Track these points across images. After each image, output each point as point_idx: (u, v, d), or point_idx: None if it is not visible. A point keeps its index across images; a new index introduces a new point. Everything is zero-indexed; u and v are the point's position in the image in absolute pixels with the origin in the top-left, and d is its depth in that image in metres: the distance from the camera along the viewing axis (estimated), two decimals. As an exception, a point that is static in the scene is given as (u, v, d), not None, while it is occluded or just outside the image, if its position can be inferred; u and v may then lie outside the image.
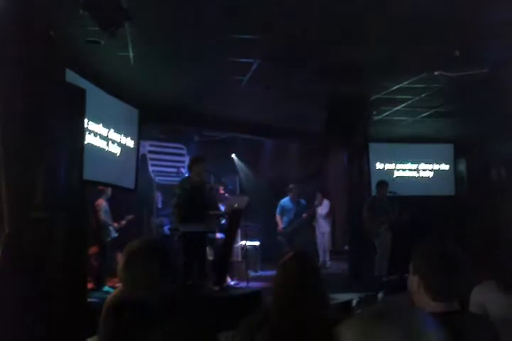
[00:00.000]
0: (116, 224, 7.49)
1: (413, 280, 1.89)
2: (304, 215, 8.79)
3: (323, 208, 10.34)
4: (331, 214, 10.49)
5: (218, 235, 7.34)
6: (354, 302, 5.26)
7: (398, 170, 10.17)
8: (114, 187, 7.34)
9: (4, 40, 3.61)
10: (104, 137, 6.50)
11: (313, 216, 9.93)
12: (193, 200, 6.10)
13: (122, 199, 8.21)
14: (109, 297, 2.63)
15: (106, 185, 7.08)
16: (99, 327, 1.69)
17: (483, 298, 2.50)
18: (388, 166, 10.13)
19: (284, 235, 8.73)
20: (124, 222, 7.67)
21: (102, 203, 7.29)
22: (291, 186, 8.99)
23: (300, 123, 9.29)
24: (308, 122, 9.10)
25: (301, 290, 1.94)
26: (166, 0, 4.49)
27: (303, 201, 9.01)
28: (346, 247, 9.63)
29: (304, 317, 1.89)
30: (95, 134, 6.23)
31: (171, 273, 1.92)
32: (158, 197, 9.38)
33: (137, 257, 1.88)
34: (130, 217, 7.86)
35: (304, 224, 8.90)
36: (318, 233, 10.41)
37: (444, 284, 1.80)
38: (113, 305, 1.72)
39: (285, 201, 8.96)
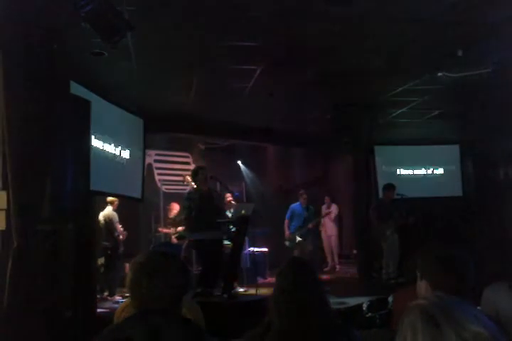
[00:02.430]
0: (122, 236, 7.49)
1: (421, 286, 1.89)
2: (310, 225, 8.73)
3: (331, 212, 10.35)
4: (337, 218, 10.52)
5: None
6: (365, 306, 5.23)
7: (405, 172, 10.14)
8: (122, 197, 7.36)
9: (7, 54, 3.64)
10: (110, 148, 6.53)
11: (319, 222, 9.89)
12: (204, 209, 6.17)
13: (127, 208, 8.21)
14: (119, 307, 2.65)
15: (113, 195, 7.11)
16: None
17: (495, 297, 2.50)
18: (394, 169, 10.09)
19: (291, 240, 8.69)
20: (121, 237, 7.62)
21: (115, 214, 7.34)
22: (301, 191, 9.00)
23: (304, 128, 9.29)
24: (312, 126, 9.11)
25: (299, 297, 1.95)
26: (167, 9, 4.53)
27: (311, 207, 9.01)
28: (355, 251, 9.60)
29: (305, 322, 1.89)
30: (101, 145, 6.26)
31: (187, 283, 1.87)
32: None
33: (153, 271, 1.77)
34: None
35: (311, 231, 8.87)
36: (324, 236, 10.42)
37: (452, 288, 1.79)
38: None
39: (296, 206, 8.94)
